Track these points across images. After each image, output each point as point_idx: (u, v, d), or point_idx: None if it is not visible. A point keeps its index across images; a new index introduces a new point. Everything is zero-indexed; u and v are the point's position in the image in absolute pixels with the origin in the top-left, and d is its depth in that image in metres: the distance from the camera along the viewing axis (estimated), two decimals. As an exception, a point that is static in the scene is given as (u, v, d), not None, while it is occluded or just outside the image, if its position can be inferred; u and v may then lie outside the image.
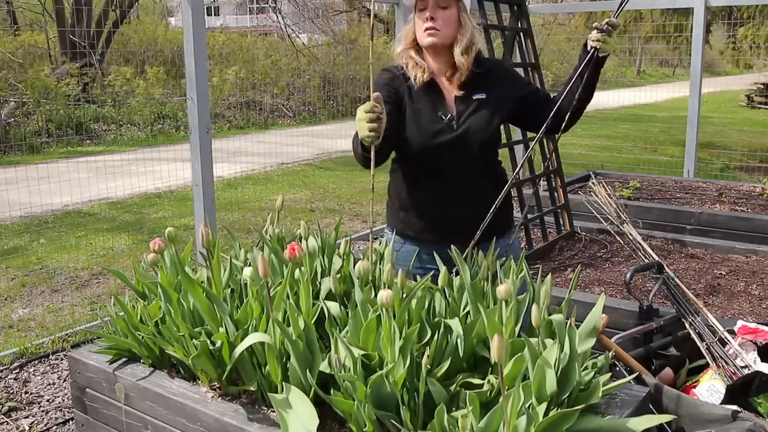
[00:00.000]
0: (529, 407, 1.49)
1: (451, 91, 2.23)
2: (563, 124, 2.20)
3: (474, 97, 2.21)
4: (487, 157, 2.27)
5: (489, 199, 2.16)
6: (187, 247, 2.26)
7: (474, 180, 2.23)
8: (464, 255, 2.05)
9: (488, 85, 2.23)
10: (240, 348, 1.72)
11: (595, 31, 2.11)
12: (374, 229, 4.86)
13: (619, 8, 2.18)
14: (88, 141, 10.71)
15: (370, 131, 1.88)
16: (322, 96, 15.14)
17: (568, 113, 2.18)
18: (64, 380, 3.25)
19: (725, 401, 2.17)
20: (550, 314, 1.70)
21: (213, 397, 1.83)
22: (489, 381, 1.64)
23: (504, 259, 2.02)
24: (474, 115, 2.20)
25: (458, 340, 1.70)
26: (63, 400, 3.08)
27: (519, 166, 2.33)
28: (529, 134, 4.20)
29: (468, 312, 1.86)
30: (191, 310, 1.95)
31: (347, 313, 1.85)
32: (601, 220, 3.71)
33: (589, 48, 2.13)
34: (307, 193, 7.82)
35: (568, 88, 2.18)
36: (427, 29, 2.15)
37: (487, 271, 1.93)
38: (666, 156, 9.71)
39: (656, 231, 4.31)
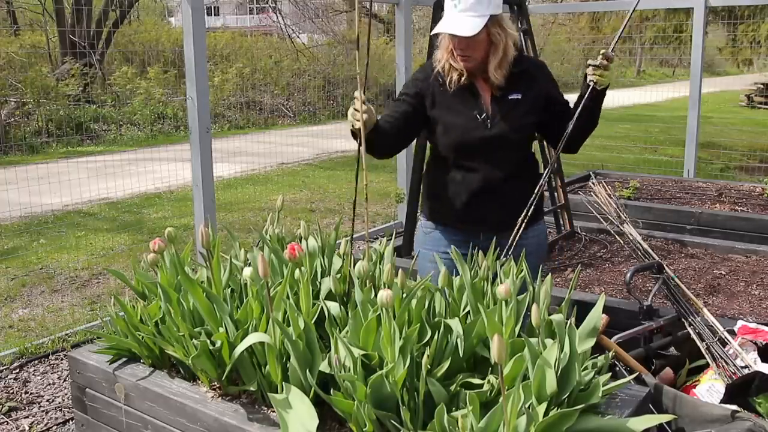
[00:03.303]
0: (529, 407, 1.49)
1: (488, 92, 2.30)
2: (570, 146, 2.32)
3: (510, 98, 2.29)
4: (517, 155, 2.36)
5: (516, 194, 2.28)
6: (187, 247, 2.26)
7: (503, 176, 2.30)
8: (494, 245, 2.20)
9: (524, 85, 2.30)
10: (240, 348, 1.72)
11: (591, 68, 2.19)
12: (371, 230, 4.85)
13: (615, 41, 2.28)
14: (88, 141, 10.70)
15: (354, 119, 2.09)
16: (322, 96, 15.13)
17: (574, 138, 2.29)
18: (64, 380, 3.25)
19: (725, 401, 2.17)
20: (550, 314, 1.70)
21: (213, 397, 1.83)
22: (489, 381, 1.64)
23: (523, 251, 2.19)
24: (508, 116, 2.27)
25: (458, 340, 1.70)
26: (63, 400, 3.08)
27: (549, 167, 2.41)
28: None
29: (468, 312, 1.86)
30: (191, 310, 1.95)
31: (347, 313, 1.85)
32: (601, 220, 3.70)
33: (588, 81, 2.21)
34: (307, 193, 7.81)
35: (575, 118, 2.25)
36: (459, 56, 2.24)
37: (488, 271, 1.93)
38: (666, 156, 9.70)
39: (656, 231, 4.30)
